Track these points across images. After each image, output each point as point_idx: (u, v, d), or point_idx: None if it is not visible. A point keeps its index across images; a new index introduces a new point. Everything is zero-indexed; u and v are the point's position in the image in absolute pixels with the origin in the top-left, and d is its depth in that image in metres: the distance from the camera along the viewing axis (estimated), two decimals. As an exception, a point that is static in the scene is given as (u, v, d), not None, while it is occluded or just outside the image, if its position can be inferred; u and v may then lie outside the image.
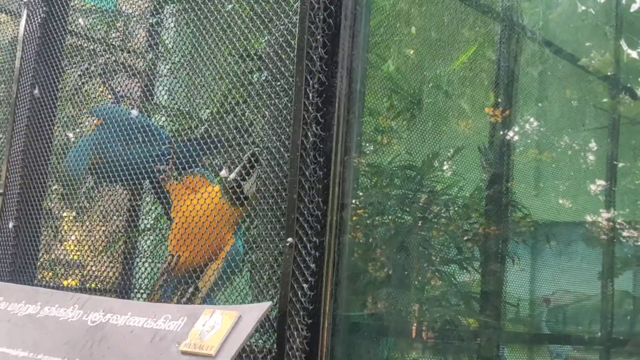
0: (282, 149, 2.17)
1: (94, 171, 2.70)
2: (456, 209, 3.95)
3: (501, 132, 4.07)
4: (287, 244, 2.05)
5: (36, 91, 2.96)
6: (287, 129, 2.15)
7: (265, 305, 1.95)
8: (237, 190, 2.27)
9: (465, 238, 3.97)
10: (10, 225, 2.93)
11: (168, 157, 2.50)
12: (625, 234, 4.91)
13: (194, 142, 2.56)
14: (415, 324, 3.68)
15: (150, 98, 2.79)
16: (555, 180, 4.74)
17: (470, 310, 3.97)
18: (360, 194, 3.56)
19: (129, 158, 2.63)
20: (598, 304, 4.50)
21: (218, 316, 1.97)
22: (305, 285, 2.01)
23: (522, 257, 4.15)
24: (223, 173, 2.32)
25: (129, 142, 2.61)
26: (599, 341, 4.44)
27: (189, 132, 2.67)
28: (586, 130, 4.76)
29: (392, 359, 3.54)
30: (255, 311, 1.94)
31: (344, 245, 2.09)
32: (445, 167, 3.94)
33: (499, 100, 4.06)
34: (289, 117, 2.16)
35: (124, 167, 2.58)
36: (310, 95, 2.08)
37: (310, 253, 2.02)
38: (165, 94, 2.76)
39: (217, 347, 1.88)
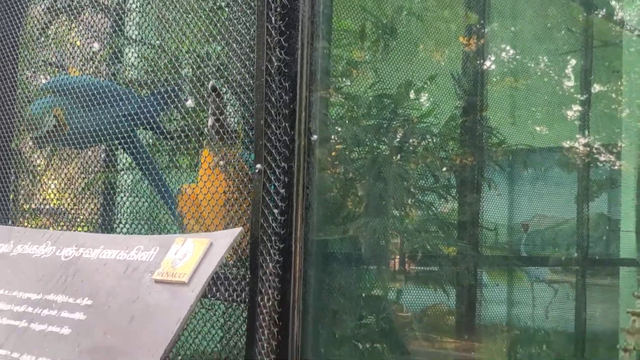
0: (247, 76, 2.14)
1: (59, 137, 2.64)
2: (432, 137, 3.95)
3: (474, 59, 4.05)
4: (256, 170, 2.05)
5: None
6: (252, 56, 2.12)
7: (236, 231, 1.96)
8: (222, 129, 2.19)
9: (442, 167, 3.99)
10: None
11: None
12: (600, 157, 4.96)
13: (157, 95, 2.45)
14: (392, 252, 3.72)
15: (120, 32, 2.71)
16: (531, 107, 4.74)
17: (449, 237, 4.01)
18: (339, 129, 3.55)
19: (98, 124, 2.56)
20: (574, 226, 4.57)
21: (189, 244, 1.97)
22: (275, 211, 2.01)
23: (499, 183, 4.19)
24: (189, 103, 2.29)
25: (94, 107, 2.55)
26: (576, 262, 4.53)
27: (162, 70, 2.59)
28: (560, 54, 4.74)
29: (368, 284, 3.59)
30: (226, 237, 1.94)
31: (313, 170, 2.09)
32: (422, 98, 3.92)
33: (472, 26, 4.02)
34: (252, 44, 2.12)
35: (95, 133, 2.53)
36: (273, 18, 2.04)
37: (280, 178, 2.02)
38: (136, 28, 2.70)
39: (190, 274, 1.89)
